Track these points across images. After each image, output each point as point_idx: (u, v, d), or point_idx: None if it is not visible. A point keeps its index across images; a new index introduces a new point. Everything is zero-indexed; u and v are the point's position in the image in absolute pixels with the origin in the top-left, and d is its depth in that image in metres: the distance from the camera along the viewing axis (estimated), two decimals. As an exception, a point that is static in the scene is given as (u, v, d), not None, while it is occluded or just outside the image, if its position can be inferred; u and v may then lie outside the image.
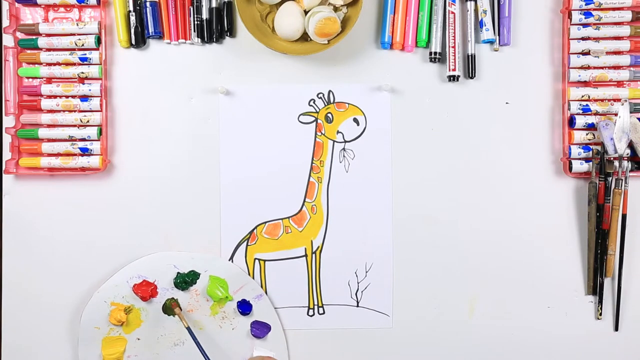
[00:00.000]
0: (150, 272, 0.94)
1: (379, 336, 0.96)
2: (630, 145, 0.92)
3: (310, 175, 0.96)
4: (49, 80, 0.94)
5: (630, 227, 0.94)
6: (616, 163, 0.92)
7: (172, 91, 0.95)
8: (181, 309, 0.93)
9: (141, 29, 0.94)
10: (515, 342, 0.96)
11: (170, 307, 0.93)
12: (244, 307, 0.94)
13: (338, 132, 0.96)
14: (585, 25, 0.94)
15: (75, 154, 0.94)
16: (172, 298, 0.93)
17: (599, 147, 0.94)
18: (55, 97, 0.94)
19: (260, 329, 0.94)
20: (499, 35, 0.95)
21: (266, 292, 0.95)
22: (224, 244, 0.95)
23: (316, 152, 0.96)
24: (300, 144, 0.96)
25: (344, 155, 0.96)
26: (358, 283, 0.96)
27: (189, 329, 0.90)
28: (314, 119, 0.96)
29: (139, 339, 0.94)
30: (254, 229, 0.96)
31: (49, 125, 0.94)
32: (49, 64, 0.94)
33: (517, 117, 0.96)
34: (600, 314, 0.95)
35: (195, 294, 0.94)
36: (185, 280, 0.93)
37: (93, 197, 0.95)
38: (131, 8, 0.94)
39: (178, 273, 0.94)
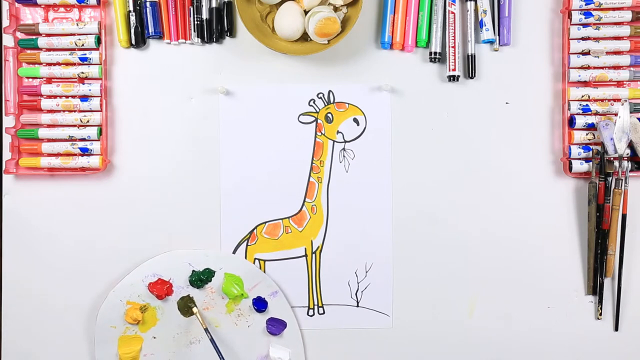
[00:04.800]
0: (165, 270, 0.94)
1: (379, 336, 0.96)
2: (630, 145, 0.92)
3: (310, 175, 0.96)
4: (49, 80, 0.94)
5: (630, 227, 0.94)
6: (616, 163, 0.92)
7: (172, 91, 0.95)
8: (197, 308, 0.92)
9: (141, 29, 0.94)
10: (515, 342, 0.96)
11: (185, 308, 0.92)
12: (260, 305, 0.94)
13: (338, 132, 0.96)
14: (585, 25, 0.94)
15: (75, 154, 0.94)
16: (187, 296, 0.93)
17: (599, 147, 0.94)
18: (55, 97, 0.94)
19: (276, 326, 0.94)
20: (499, 35, 0.95)
21: (266, 292, 0.96)
22: (224, 243, 0.95)
23: (316, 152, 0.96)
24: (300, 144, 0.96)
25: (344, 155, 0.96)
26: (358, 283, 0.96)
27: (206, 330, 0.90)
28: (314, 119, 0.96)
29: (155, 338, 0.94)
30: (254, 229, 0.96)
31: (49, 125, 0.94)
32: (49, 64, 0.94)
33: (517, 117, 0.96)
34: (600, 314, 0.95)
35: (210, 292, 0.94)
36: (201, 278, 0.93)
37: (93, 197, 0.95)
38: (131, 8, 0.94)
39: (193, 271, 0.94)
